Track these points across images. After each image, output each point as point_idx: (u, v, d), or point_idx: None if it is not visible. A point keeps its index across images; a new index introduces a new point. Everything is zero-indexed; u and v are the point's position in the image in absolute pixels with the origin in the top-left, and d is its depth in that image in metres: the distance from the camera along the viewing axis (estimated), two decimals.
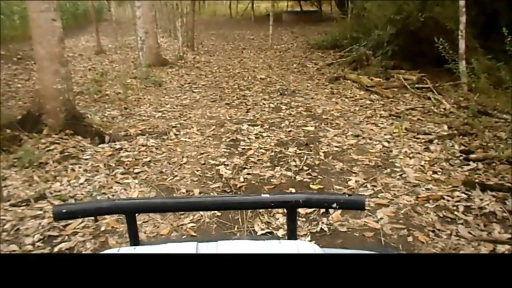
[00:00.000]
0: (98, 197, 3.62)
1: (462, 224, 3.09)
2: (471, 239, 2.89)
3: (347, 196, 1.08)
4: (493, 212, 3.21)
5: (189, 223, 3.23)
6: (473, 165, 4.03)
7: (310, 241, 2.97)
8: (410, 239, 2.95)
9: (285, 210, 1.15)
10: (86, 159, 4.42)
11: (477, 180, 3.65)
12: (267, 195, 1.11)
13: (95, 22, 13.61)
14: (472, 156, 4.16)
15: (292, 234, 1.12)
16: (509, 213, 3.18)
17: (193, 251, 0.89)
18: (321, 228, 3.10)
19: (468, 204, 3.35)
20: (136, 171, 4.21)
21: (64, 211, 1.06)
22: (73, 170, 4.16)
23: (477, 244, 2.84)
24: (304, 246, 0.93)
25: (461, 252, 2.77)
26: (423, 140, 4.78)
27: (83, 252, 2.94)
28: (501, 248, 2.78)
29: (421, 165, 4.12)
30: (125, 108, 6.54)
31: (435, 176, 3.87)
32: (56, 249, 2.94)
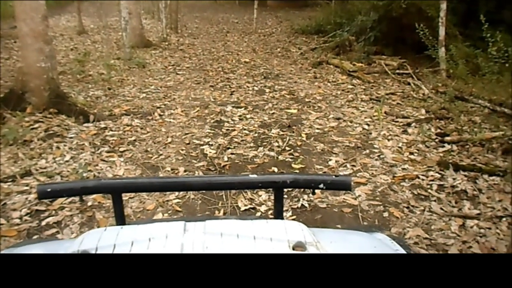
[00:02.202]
0: (84, 174, 3.68)
1: (435, 201, 3.27)
2: (443, 215, 3.07)
3: (333, 177, 1.11)
4: (464, 190, 3.40)
5: (174, 199, 3.32)
6: (447, 147, 4.21)
7: (291, 216, 3.11)
8: (385, 214, 3.11)
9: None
10: (71, 138, 4.45)
11: (450, 161, 3.83)
12: (255, 175, 1.14)
13: (77, 1, 13.33)
14: (447, 138, 4.35)
15: (279, 214, 1.15)
16: (479, 191, 3.36)
17: (181, 231, 0.88)
18: (302, 204, 3.23)
19: (442, 183, 3.53)
20: (121, 149, 4.26)
21: (48, 190, 1.06)
22: (58, 148, 4.19)
23: (448, 219, 3.01)
24: (291, 225, 0.93)
25: (433, 226, 2.94)
26: (401, 123, 4.95)
27: (70, 227, 3.02)
28: (470, 223, 2.96)
29: (399, 147, 4.29)
30: (109, 89, 6.53)
31: (412, 157, 4.05)
32: (43, 223, 3.01)
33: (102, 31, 12.89)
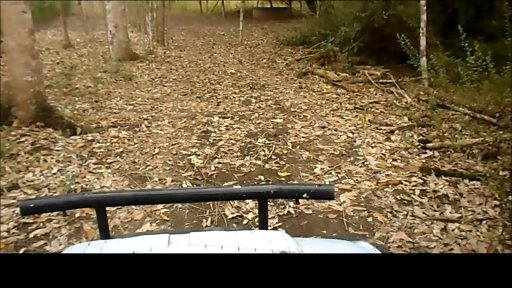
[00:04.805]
0: (72, 186, 3.69)
1: (417, 205, 3.35)
2: (425, 219, 3.15)
3: (316, 186, 1.13)
4: (446, 195, 3.49)
5: (162, 208, 3.36)
6: (429, 153, 4.32)
7: (278, 223, 3.17)
8: (370, 219, 3.19)
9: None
10: (58, 150, 4.46)
11: (432, 167, 3.92)
12: (239, 186, 1.16)
13: (63, 15, 13.36)
14: (429, 145, 4.45)
15: (263, 224, 1.16)
16: (460, 195, 3.46)
17: (165, 243, 0.88)
18: (288, 211, 3.29)
19: (424, 188, 3.62)
20: (109, 161, 4.29)
21: (31, 205, 1.06)
22: (45, 160, 4.20)
23: (430, 223, 3.09)
24: (275, 235, 0.93)
25: (416, 229, 3.02)
26: (384, 131, 5.06)
27: (58, 239, 3.03)
28: (452, 226, 3.04)
29: (382, 154, 4.38)
30: (96, 101, 6.56)
31: (395, 163, 4.14)
32: (31, 235, 3.02)
33: (88, 45, 12.94)
